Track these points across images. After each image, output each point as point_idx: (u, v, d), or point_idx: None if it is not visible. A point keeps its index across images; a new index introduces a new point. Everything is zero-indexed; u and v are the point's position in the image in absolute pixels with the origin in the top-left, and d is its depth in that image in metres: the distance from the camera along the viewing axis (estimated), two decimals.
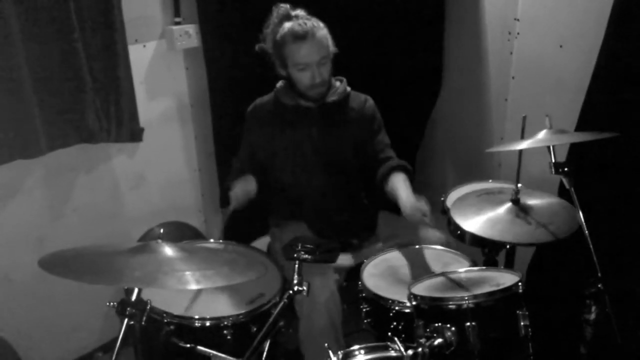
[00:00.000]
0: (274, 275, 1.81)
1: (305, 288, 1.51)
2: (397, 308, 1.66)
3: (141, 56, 2.24)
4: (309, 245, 1.55)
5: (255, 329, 1.62)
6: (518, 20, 2.30)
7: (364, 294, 1.77)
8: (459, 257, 1.89)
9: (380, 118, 2.11)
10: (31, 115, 1.92)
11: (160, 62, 2.31)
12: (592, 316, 1.56)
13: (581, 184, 1.62)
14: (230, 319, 1.61)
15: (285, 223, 2.11)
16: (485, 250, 1.91)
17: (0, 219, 2.05)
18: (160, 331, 1.59)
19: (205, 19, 2.28)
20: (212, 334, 1.61)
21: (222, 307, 1.66)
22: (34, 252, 1.26)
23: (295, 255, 1.53)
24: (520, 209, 1.69)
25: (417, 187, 2.00)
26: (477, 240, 1.82)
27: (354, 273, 1.90)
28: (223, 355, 1.54)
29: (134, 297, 1.27)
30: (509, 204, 1.71)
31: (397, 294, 1.67)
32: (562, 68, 2.18)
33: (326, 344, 1.38)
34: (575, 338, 1.63)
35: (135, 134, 2.26)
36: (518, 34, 2.32)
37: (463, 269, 1.67)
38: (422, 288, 1.56)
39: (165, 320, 1.60)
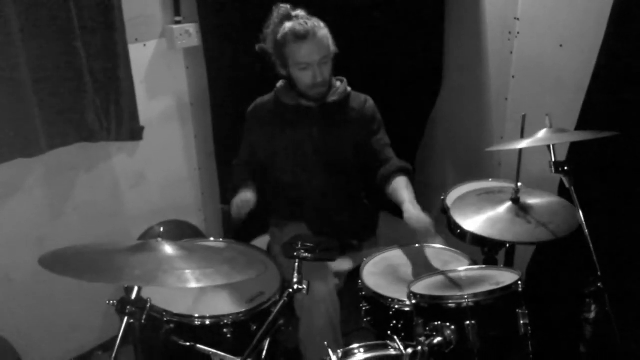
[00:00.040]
0: (273, 274, 1.81)
1: (305, 286, 1.51)
2: (396, 306, 1.66)
3: (141, 55, 2.24)
4: (308, 244, 1.54)
5: (255, 327, 1.63)
6: (518, 19, 2.30)
7: (363, 293, 1.77)
8: (459, 256, 1.89)
9: (381, 118, 2.11)
10: (31, 114, 1.92)
11: (161, 61, 2.31)
12: (592, 315, 1.55)
13: (581, 183, 1.62)
14: (230, 317, 1.62)
15: (285, 223, 2.11)
16: (485, 249, 1.91)
17: (0, 217, 2.05)
18: (160, 330, 1.59)
19: (206, 18, 2.28)
20: (212, 332, 1.61)
21: (222, 306, 1.67)
22: (34, 251, 1.26)
23: (295, 253, 1.53)
24: (520, 208, 1.69)
25: (418, 187, 2.01)
26: (477, 240, 1.83)
27: (353, 277, 1.90)
28: (223, 353, 1.54)
29: (134, 296, 1.27)
30: (509, 203, 1.71)
31: (397, 293, 1.67)
32: (562, 67, 2.19)
33: (325, 343, 1.38)
34: (575, 337, 1.63)
35: (135, 133, 2.26)
36: (518, 33, 2.32)
37: (463, 268, 1.67)
38: (422, 286, 1.56)
39: (165, 319, 1.60)
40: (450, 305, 1.42)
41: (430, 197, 2.25)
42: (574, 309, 1.61)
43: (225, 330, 1.61)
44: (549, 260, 2.22)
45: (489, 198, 1.79)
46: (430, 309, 1.45)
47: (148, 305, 1.30)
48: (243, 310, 1.64)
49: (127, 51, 2.12)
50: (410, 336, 1.47)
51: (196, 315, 1.61)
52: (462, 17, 2.61)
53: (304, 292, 1.52)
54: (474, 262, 1.84)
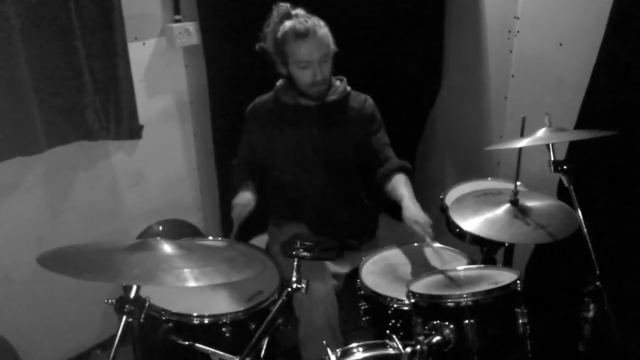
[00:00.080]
0: (272, 273, 1.81)
1: (304, 285, 1.51)
2: (395, 306, 1.66)
3: (141, 54, 2.24)
4: (307, 243, 1.55)
5: (253, 326, 1.62)
6: (518, 18, 2.30)
7: (362, 292, 1.77)
8: (458, 255, 1.89)
9: (380, 117, 2.10)
10: (31, 114, 1.92)
11: (160, 60, 2.31)
12: (591, 314, 1.56)
13: (580, 183, 1.62)
14: (229, 316, 1.61)
15: (284, 223, 2.10)
16: (483, 249, 1.91)
17: (0, 217, 2.05)
18: (159, 329, 1.59)
19: (205, 16, 2.28)
20: (211, 331, 1.61)
21: (221, 305, 1.67)
22: (34, 251, 1.26)
23: (294, 252, 1.53)
24: (519, 210, 1.68)
25: (417, 186, 2.01)
26: (476, 239, 1.82)
27: (352, 277, 1.90)
28: (221, 352, 1.54)
29: (132, 295, 1.27)
30: (507, 205, 1.70)
31: (396, 292, 1.67)
32: (562, 67, 2.18)
33: (324, 342, 1.38)
34: (573, 336, 1.63)
35: (134, 132, 2.26)
36: (518, 32, 2.32)
37: (462, 267, 1.67)
38: (421, 286, 1.56)
39: (164, 318, 1.60)
40: (449, 304, 1.42)
41: (429, 195, 2.24)
42: (573, 308, 1.61)
43: (224, 329, 1.61)
44: (548, 260, 2.22)
45: (488, 200, 1.78)
46: (429, 308, 1.45)
47: (147, 304, 1.29)
48: (242, 309, 1.63)
49: (127, 50, 2.13)
50: (409, 335, 1.47)
51: (195, 314, 1.61)
52: (462, 17, 2.61)
53: (303, 291, 1.52)
54: (472, 262, 1.84)
